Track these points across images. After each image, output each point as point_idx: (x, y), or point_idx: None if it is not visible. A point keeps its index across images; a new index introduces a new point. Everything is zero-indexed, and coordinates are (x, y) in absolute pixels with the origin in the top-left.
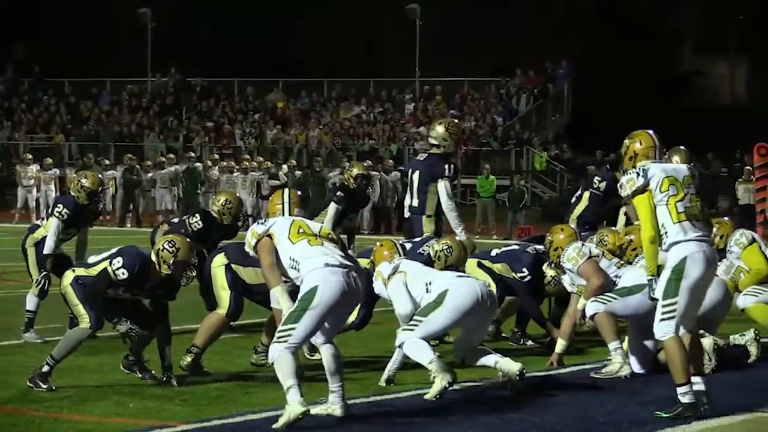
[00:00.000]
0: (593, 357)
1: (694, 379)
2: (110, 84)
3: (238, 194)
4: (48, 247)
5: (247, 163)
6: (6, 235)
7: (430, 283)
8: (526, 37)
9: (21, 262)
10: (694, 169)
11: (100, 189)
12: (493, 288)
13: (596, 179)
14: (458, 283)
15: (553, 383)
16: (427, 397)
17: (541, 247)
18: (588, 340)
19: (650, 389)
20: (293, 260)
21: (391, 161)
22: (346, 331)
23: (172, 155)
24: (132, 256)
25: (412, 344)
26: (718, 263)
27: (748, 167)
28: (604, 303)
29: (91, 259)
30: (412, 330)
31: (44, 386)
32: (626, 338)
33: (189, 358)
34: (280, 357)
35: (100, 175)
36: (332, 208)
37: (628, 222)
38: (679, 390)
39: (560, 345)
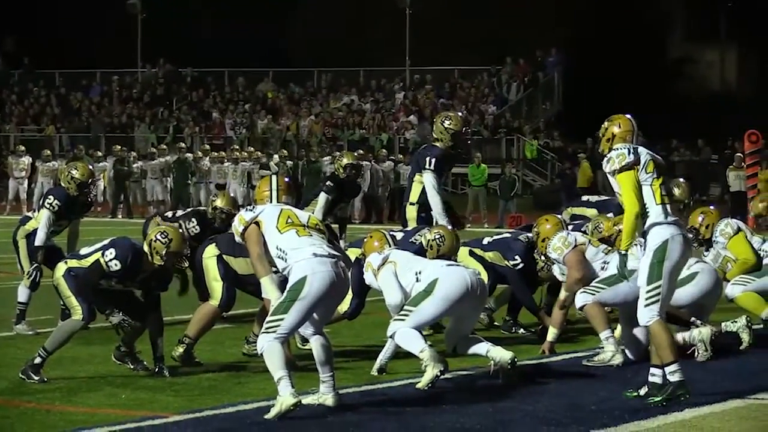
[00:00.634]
0: (585, 345)
1: (653, 370)
2: (100, 75)
3: (230, 186)
4: (39, 239)
5: (237, 154)
6: None
7: (420, 273)
8: (516, 26)
9: (12, 254)
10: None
11: (90, 180)
12: (484, 277)
13: None
14: (448, 272)
15: (545, 371)
16: (418, 386)
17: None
18: (580, 328)
19: (642, 377)
20: (281, 250)
21: (384, 150)
22: (339, 321)
23: (163, 146)
24: (124, 248)
25: (404, 334)
26: (706, 253)
27: (739, 154)
28: (593, 294)
29: (83, 251)
30: (403, 320)
31: (36, 378)
32: (617, 327)
33: (181, 349)
34: (269, 348)
35: (90, 167)
36: (322, 197)
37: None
38: (668, 369)
39: (552, 333)
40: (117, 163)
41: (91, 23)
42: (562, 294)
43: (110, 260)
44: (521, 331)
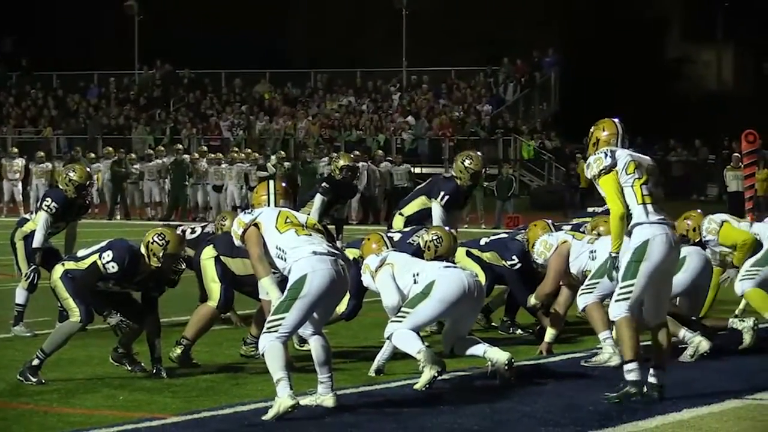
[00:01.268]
0: (583, 346)
1: (650, 371)
2: (98, 77)
3: (227, 188)
4: (37, 241)
5: (235, 155)
6: None
7: (417, 274)
8: (512, 26)
9: (9, 255)
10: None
11: (88, 182)
12: (482, 278)
13: None
14: (445, 274)
15: (542, 372)
16: (416, 387)
17: None
18: (578, 329)
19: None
20: (280, 249)
21: (380, 151)
22: (336, 321)
23: (160, 147)
24: (121, 249)
25: (401, 335)
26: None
27: (736, 154)
28: (591, 291)
29: (80, 253)
30: (401, 321)
31: (34, 380)
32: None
33: (179, 350)
34: (270, 348)
35: (88, 169)
36: (318, 199)
37: None
38: (626, 367)
39: (549, 334)
40: (114, 164)
41: (89, 25)
42: (531, 300)
43: (107, 262)
44: (519, 331)
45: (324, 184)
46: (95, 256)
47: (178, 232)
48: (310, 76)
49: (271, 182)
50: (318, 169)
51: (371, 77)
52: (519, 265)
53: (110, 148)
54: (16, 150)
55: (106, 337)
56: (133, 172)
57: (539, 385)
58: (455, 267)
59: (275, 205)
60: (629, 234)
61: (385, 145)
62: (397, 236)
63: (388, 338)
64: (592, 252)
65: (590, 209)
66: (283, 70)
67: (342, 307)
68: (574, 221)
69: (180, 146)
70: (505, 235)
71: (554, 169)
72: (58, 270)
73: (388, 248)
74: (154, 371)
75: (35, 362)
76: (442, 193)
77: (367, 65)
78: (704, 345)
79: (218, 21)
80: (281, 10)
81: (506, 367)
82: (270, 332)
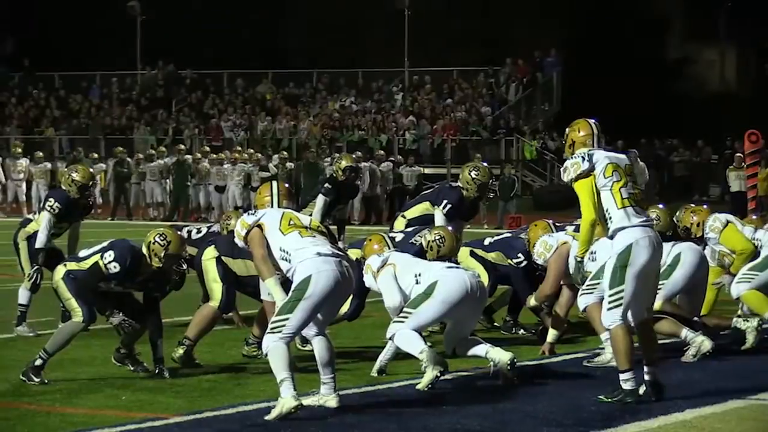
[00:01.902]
0: (585, 346)
1: (644, 370)
2: (100, 77)
3: (229, 188)
4: (40, 241)
5: (237, 155)
6: None
7: (419, 275)
8: (514, 26)
9: (12, 256)
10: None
11: (91, 183)
12: (484, 279)
13: None
14: (447, 274)
15: (545, 372)
16: (418, 387)
17: None
18: (580, 329)
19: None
20: (284, 251)
21: (381, 151)
22: (339, 322)
23: (163, 148)
24: (123, 250)
25: (403, 335)
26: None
27: (738, 154)
28: (592, 292)
29: (82, 253)
30: (403, 322)
31: (37, 380)
32: None
33: (181, 351)
34: (274, 348)
35: (90, 169)
36: (320, 199)
37: None
38: (622, 376)
39: (552, 334)
40: (117, 165)
41: (91, 25)
42: (530, 301)
43: (109, 262)
44: (521, 331)
45: (326, 184)
46: (97, 257)
47: (184, 232)
48: (312, 76)
49: (275, 183)
50: (320, 170)
51: (373, 77)
52: (524, 263)
53: (120, 148)
54: (20, 150)
55: (109, 337)
56: (140, 170)
57: (542, 385)
58: (457, 267)
59: (278, 207)
60: (611, 238)
61: (387, 145)
62: (399, 236)
63: (390, 339)
64: (592, 253)
65: None
66: (285, 70)
67: (344, 308)
68: (576, 222)
69: (182, 146)
70: (509, 235)
71: (556, 170)
72: (60, 270)
73: (389, 249)
74: (157, 371)
75: (38, 362)
76: (444, 202)
77: (369, 65)
78: (706, 345)
79: (220, 21)
80: (283, 11)
81: (508, 368)
82: (274, 333)
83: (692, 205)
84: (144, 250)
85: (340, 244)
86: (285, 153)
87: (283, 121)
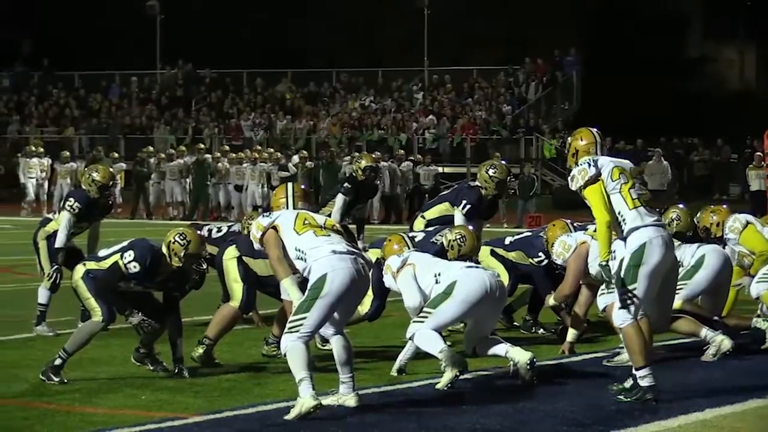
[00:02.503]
0: (605, 345)
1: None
2: (119, 77)
3: (248, 187)
4: (59, 241)
5: (256, 154)
6: (16, 229)
7: (439, 274)
8: (534, 25)
9: (32, 255)
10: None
11: (111, 183)
12: (504, 278)
13: None
14: (467, 274)
15: (564, 372)
16: (438, 386)
17: None
18: (600, 328)
19: (662, 377)
20: (300, 251)
21: (401, 151)
22: (359, 322)
23: (183, 147)
24: (143, 249)
25: (423, 335)
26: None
27: (758, 153)
28: (612, 291)
29: (102, 253)
30: (423, 322)
31: (56, 379)
32: None
33: (201, 350)
34: (293, 348)
35: (111, 169)
36: (339, 199)
37: None
38: (638, 374)
39: (572, 334)
40: (136, 164)
41: (111, 24)
42: (550, 301)
43: (129, 262)
44: (541, 331)
45: (346, 184)
46: (117, 256)
47: (204, 231)
48: (331, 75)
49: (290, 185)
50: (340, 169)
51: (393, 77)
52: (545, 262)
53: (150, 148)
54: (41, 149)
55: (128, 337)
56: (160, 169)
57: (561, 384)
58: (477, 267)
59: (294, 208)
60: (625, 239)
61: (407, 144)
62: (419, 236)
63: (410, 339)
64: (612, 252)
65: None
66: (305, 69)
67: (365, 308)
68: None
69: (201, 146)
70: (529, 234)
71: None
72: (80, 270)
73: (409, 249)
74: (176, 371)
75: (57, 362)
76: (464, 202)
77: (388, 64)
78: (726, 344)
79: (239, 21)
80: (303, 10)
81: (528, 367)
82: (292, 332)
83: (712, 206)
84: (164, 249)
85: (360, 244)
86: (305, 152)
87: (302, 121)
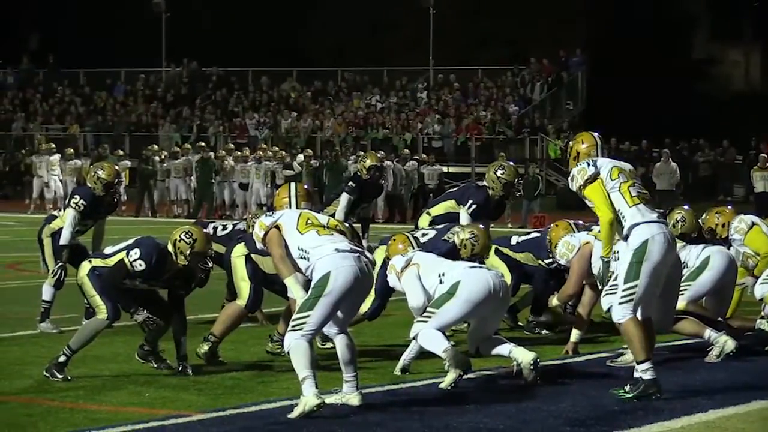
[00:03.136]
0: (608, 346)
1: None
2: (125, 74)
3: (253, 185)
4: (64, 238)
5: (261, 153)
6: (21, 226)
7: (443, 274)
8: (539, 25)
9: (36, 252)
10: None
11: (116, 180)
12: (507, 278)
13: None
14: (471, 274)
15: (568, 372)
16: (441, 386)
17: None
18: (603, 329)
19: (665, 377)
20: (302, 250)
21: (406, 150)
22: (359, 321)
23: (187, 145)
24: (149, 247)
25: (426, 335)
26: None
27: (763, 155)
28: (615, 292)
29: (108, 250)
30: (426, 321)
31: (60, 376)
32: None
33: (206, 347)
34: (296, 346)
35: (116, 166)
36: (344, 198)
37: None
38: (640, 367)
39: (575, 334)
40: (141, 162)
41: (116, 22)
42: (553, 301)
43: (135, 260)
44: (544, 331)
45: (350, 183)
46: (122, 254)
47: (209, 229)
48: (336, 74)
49: (293, 185)
50: (345, 168)
51: (398, 76)
52: (555, 264)
53: (155, 146)
54: (53, 146)
55: (132, 334)
56: (163, 169)
57: (565, 384)
58: (481, 267)
59: (297, 208)
60: (627, 237)
61: (412, 143)
62: (429, 233)
63: (413, 338)
64: (614, 253)
65: None
66: (310, 68)
67: (365, 307)
68: None
69: (206, 144)
70: (537, 234)
71: None
72: (85, 267)
73: (414, 248)
74: (180, 368)
75: (62, 359)
76: (470, 202)
77: (393, 64)
78: (730, 345)
79: (245, 19)
80: (308, 9)
81: (532, 367)
82: (295, 330)
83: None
84: (170, 247)
85: (365, 243)
86: (310, 151)
87: (307, 120)
